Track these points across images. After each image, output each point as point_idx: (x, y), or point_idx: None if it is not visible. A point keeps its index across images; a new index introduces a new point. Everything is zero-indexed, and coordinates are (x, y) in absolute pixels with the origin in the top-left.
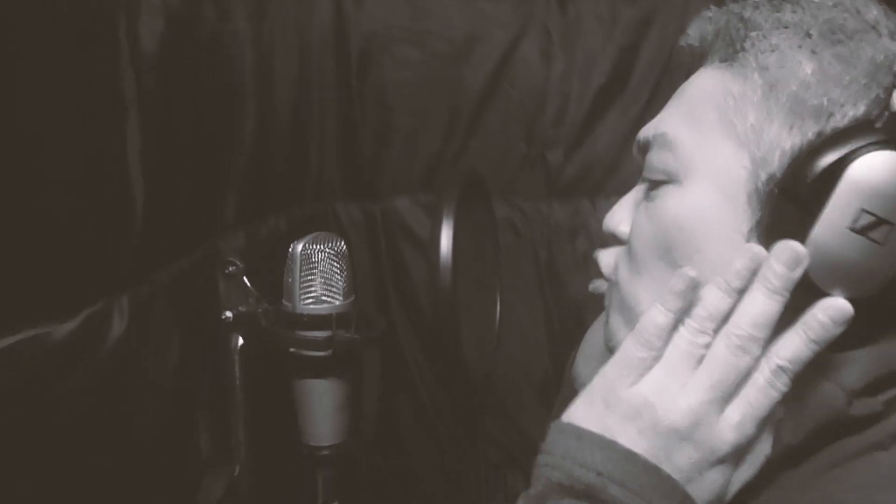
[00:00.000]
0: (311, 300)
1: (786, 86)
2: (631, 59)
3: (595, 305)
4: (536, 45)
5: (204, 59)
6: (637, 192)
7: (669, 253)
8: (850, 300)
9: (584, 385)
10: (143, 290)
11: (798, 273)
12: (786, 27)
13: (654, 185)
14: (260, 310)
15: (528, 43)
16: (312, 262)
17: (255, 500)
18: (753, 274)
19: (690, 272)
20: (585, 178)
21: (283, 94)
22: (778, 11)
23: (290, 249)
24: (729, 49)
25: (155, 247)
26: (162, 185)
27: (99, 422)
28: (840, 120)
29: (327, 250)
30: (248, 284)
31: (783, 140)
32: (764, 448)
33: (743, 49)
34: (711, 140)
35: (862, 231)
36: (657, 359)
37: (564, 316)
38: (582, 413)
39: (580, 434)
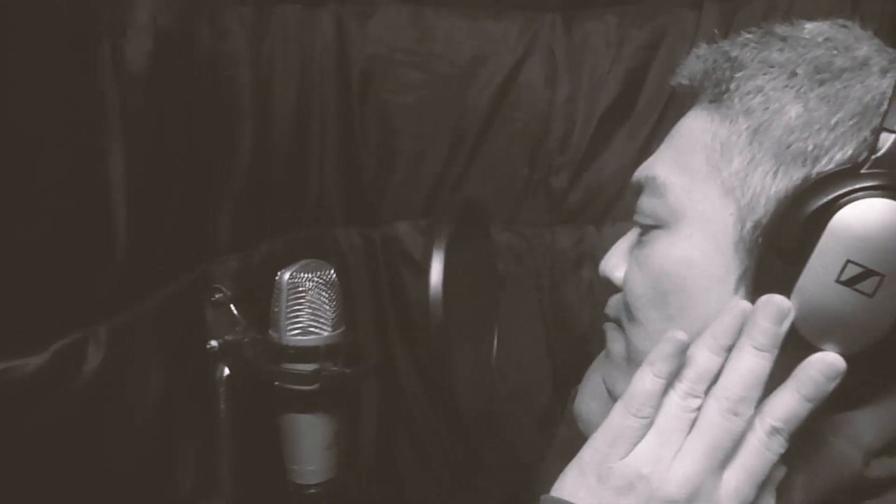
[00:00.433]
0: (297, 331)
1: (770, 129)
2: (638, 83)
3: (600, 337)
4: (541, 67)
5: (199, 80)
6: (632, 235)
7: (663, 301)
8: (847, 354)
9: (585, 424)
10: (124, 320)
11: (784, 328)
12: (771, 66)
13: (646, 229)
14: (246, 339)
15: (533, 65)
16: (300, 292)
17: None
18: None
19: (680, 335)
20: (591, 205)
21: (281, 117)
22: (765, 50)
23: (278, 278)
24: (716, 90)
25: (139, 274)
26: (148, 210)
27: (74, 459)
28: (826, 164)
29: (316, 279)
30: (236, 312)
31: (768, 186)
32: None
33: (728, 90)
34: (699, 186)
35: (849, 283)
36: (648, 426)
37: (568, 347)
38: (573, 486)
39: None
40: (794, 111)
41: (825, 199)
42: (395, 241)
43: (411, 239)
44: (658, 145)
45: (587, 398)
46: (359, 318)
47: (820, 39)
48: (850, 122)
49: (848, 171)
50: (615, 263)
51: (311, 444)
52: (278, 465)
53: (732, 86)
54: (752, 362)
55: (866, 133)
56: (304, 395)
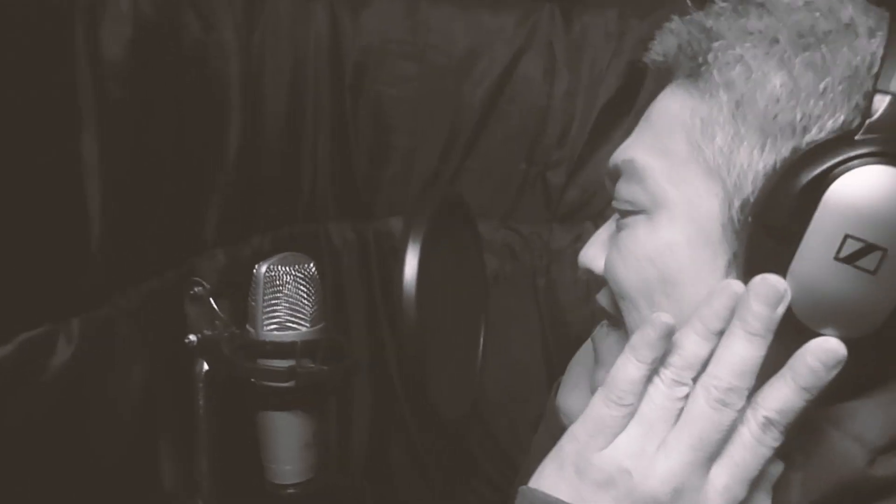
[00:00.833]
0: (274, 326)
1: (754, 101)
2: (639, 77)
3: None
4: (540, 60)
5: (185, 71)
6: (610, 224)
7: (647, 289)
8: (847, 339)
9: (567, 417)
10: (101, 314)
11: (779, 311)
12: (750, 34)
13: (625, 215)
14: (226, 334)
15: (531, 58)
16: (277, 285)
17: None
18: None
19: (665, 318)
20: (589, 202)
21: (272, 110)
22: (742, 17)
23: (255, 270)
24: (692, 63)
25: (118, 267)
26: (127, 202)
27: (50, 453)
28: (817, 134)
29: (294, 272)
30: (216, 307)
31: (755, 161)
32: None
33: (706, 63)
34: (679, 169)
35: (848, 260)
36: (631, 415)
37: (564, 348)
38: (552, 479)
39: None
40: (777, 80)
41: (818, 170)
42: (388, 237)
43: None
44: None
45: (568, 390)
46: (351, 314)
47: (800, 3)
48: (840, 88)
49: (841, 139)
50: (594, 254)
51: (287, 443)
52: (258, 463)
53: (710, 57)
54: (744, 348)
55: (858, 98)
56: (279, 393)
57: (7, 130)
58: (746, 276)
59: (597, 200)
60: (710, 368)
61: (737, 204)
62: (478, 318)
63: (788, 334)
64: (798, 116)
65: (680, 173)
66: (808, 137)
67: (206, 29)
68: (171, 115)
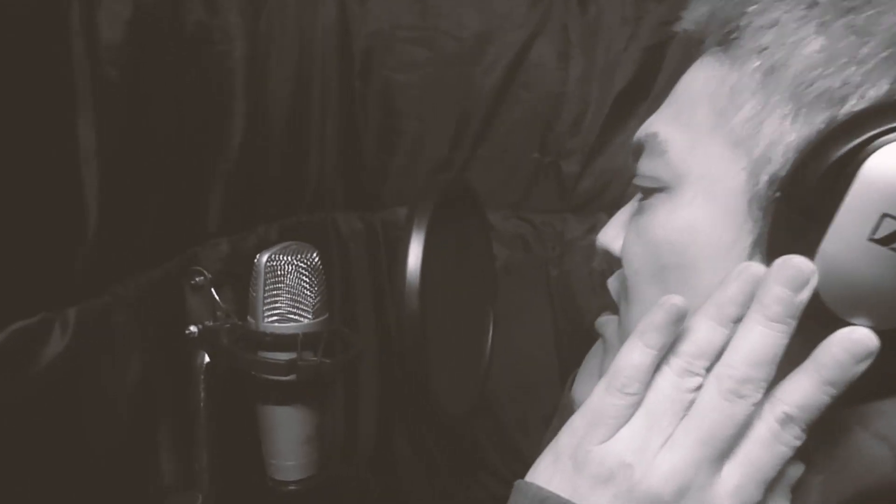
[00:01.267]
0: (275, 317)
1: (787, 67)
2: (656, 62)
3: None
4: (553, 45)
5: (186, 54)
6: (632, 204)
7: (663, 274)
8: (880, 330)
9: None
10: (98, 303)
11: (804, 296)
12: None
13: (647, 193)
14: (227, 325)
15: (545, 43)
16: (279, 276)
17: None
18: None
19: (676, 300)
20: (603, 192)
21: (278, 96)
22: None
23: (256, 260)
24: (724, 30)
25: (115, 256)
26: (125, 189)
27: (45, 445)
28: (856, 104)
29: (296, 262)
30: (217, 297)
31: (786, 133)
32: None
33: (739, 28)
34: (703, 140)
35: (885, 241)
36: (635, 406)
37: (577, 341)
38: (548, 472)
39: (544, 499)
40: (815, 45)
41: (855, 143)
42: (396, 227)
43: None
44: None
45: (586, 382)
46: (359, 304)
47: None
48: (884, 55)
49: (882, 109)
50: (614, 234)
51: (288, 438)
52: (259, 457)
53: (743, 22)
54: (763, 336)
55: None
56: (280, 386)
57: (0, 115)
58: (770, 259)
59: (611, 190)
60: (724, 357)
61: (764, 178)
62: (486, 310)
63: (813, 322)
64: (836, 84)
65: (703, 145)
66: (846, 107)
67: (211, 12)
68: (172, 99)
